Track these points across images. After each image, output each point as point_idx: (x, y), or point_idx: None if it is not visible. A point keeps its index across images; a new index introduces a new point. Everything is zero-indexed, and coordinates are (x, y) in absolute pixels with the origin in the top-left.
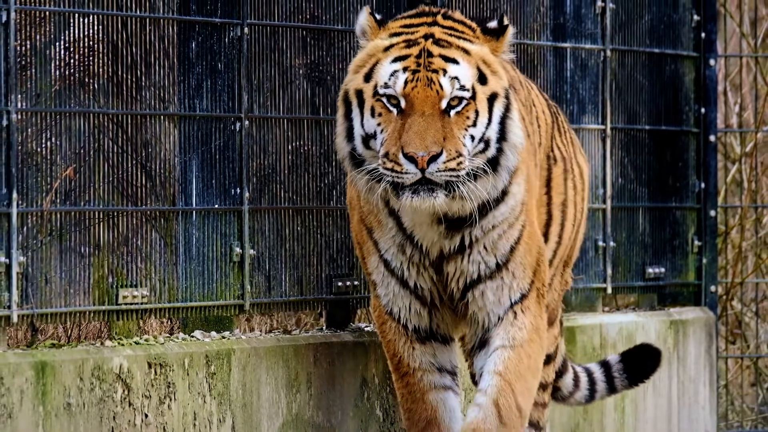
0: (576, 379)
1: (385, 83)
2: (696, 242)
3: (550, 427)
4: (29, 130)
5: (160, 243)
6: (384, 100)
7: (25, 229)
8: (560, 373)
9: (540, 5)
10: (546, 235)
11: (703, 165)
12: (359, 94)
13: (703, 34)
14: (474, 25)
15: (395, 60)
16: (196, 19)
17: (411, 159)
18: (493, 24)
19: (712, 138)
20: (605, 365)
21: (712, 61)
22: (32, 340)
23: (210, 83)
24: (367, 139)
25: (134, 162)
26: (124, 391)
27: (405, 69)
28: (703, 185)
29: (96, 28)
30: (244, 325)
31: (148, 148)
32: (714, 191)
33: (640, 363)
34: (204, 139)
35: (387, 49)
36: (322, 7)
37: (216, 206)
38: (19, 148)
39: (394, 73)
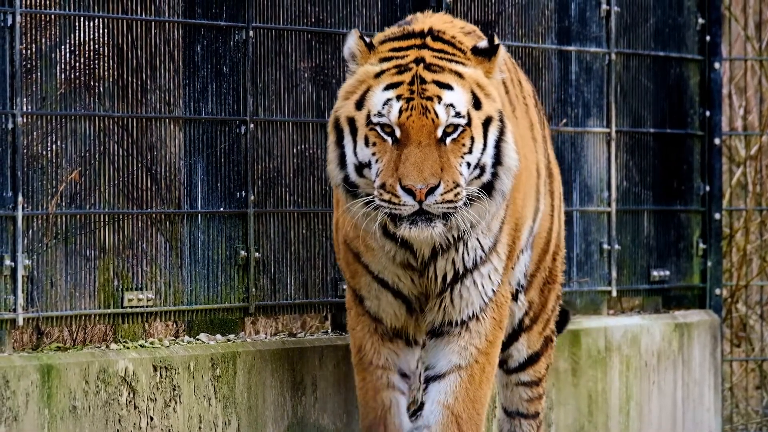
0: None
1: (379, 112)
2: (701, 245)
3: (555, 428)
4: (35, 133)
5: (166, 246)
6: (378, 129)
7: (30, 232)
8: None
9: (545, 8)
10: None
11: (707, 168)
12: (351, 121)
13: (707, 38)
14: (465, 45)
15: (387, 87)
16: (201, 23)
17: (409, 191)
18: (483, 44)
19: (716, 141)
20: None
21: (716, 64)
22: (38, 343)
23: (215, 86)
24: (361, 167)
25: (139, 165)
26: (129, 394)
27: (399, 97)
28: (707, 188)
29: (101, 31)
30: (249, 328)
31: (154, 152)
32: (719, 194)
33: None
34: (209, 143)
35: (378, 75)
36: (327, 11)
37: (221, 209)
38: (25, 151)
39: (387, 102)
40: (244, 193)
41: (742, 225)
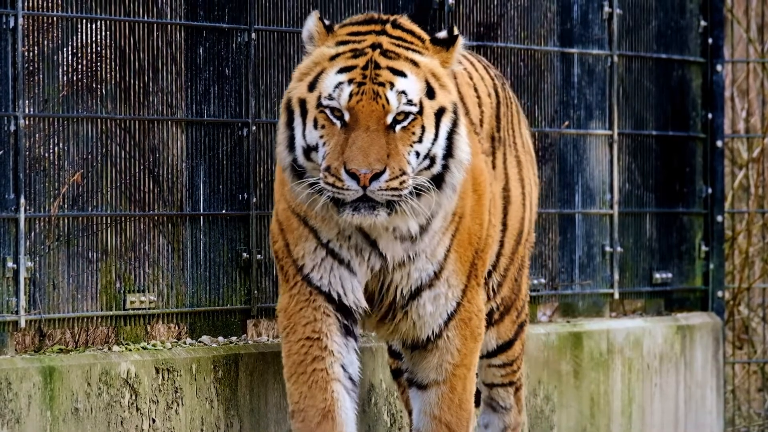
0: None
1: (329, 95)
2: (703, 247)
3: (557, 431)
4: (37, 135)
5: (168, 248)
6: (327, 111)
7: (32, 234)
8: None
9: (547, 11)
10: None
11: (710, 170)
12: (302, 103)
13: (710, 40)
14: (424, 35)
15: (341, 71)
16: (203, 25)
17: (353, 175)
18: (443, 34)
19: (719, 143)
20: None
21: (719, 67)
22: (40, 345)
23: (217, 89)
24: (309, 150)
25: (142, 167)
26: (131, 396)
27: (350, 81)
28: (710, 190)
29: (103, 33)
30: (251, 330)
31: (156, 154)
32: (721, 197)
33: None
34: (211, 145)
35: (333, 58)
36: (329, 13)
37: (223, 211)
38: (27, 153)
39: (338, 85)
40: (246, 195)
41: (744, 227)
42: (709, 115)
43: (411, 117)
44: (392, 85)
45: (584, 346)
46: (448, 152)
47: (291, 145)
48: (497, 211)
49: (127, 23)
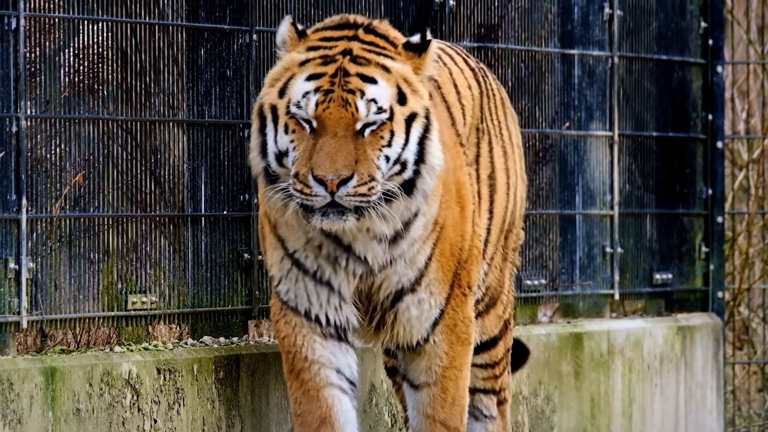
0: None
1: (298, 102)
2: (703, 248)
3: (558, 431)
4: (39, 136)
5: (169, 249)
6: (297, 117)
7: (34, 235)
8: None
9: (548, 12)
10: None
11: (710, 171)
12: (273, 109)
13: (710, 41)
14: (399, 39)
15: (309, 78)
16: (204, 26)
17: (320, 182)
18: (415, 39)
19: (719, 144)
20: None
21: (719, 68)
22: (42, 345)
23: (219, 90)
24: (281, 156)
25: (143, 168)
26: (133, 396)
27: (317, 89)
28: (710, 191)
29: (105, 35)
30: (252, 330)
31: (157, 155)
32: (721, 197)
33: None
34: (212, 146)
35: (302, 63)
36: (330, 14)
37: (224, 212)
38: (29, 154)
39: (306, 94)
40: (247, 196)
41: (744, 228)
42: (710, 116)
43: (380, 122)
44: (362, 93)
45: (585, 347)
46: (420, 157)
47: (264, 151)
48: (482, 220)
49: (128, 24)
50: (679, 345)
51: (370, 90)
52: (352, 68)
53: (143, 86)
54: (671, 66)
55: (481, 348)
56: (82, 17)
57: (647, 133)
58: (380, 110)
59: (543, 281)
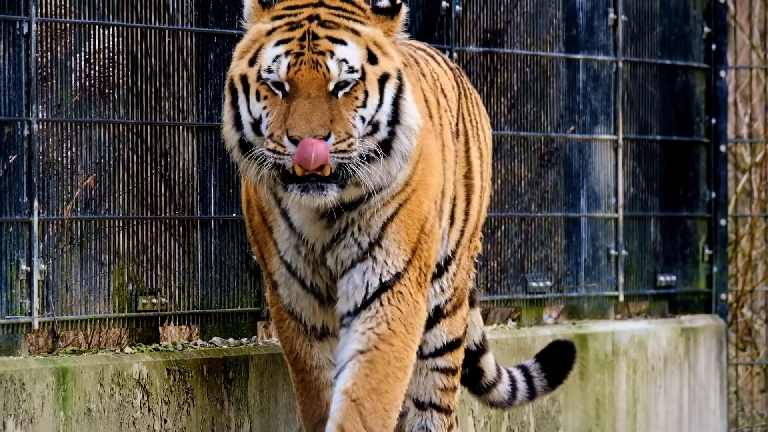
0: (498, 370)
1: (269, 67)
2: (707, 251)
3: (563, 431)
4: (50, 140)
5: (179, 251)
6: (269, 83)
7: (46, 237)
8: (480, 352)
9: (553, 17)
10: (452, 215)
11: (713, 175)
12: (244, 79)
13: (713, 46)
14: (365, 5)
15: (278, 43)
16: (214, 31)
17: (295, 142)
18: (385, 3)
19: (722, 148)
20: (523, 368)
21: (722, 73)
22: (53, 346)
23: None
24: (256, 124)
25: (153, 171)
26: (143, 396)
27: (288, 53)
28: (713, 195)
29: (116, 39)
30: (261, 332)
31: (167, 158)
32: (724, 201)
33: (556, 361)
34: (222, 149)
35: (270, 33)
36: None
37: (233, 215)
38: (41, 157)
39: (276, 58)
40: None
41: (747, 231)
42: (713, 121)
43: (353, 83)
44: (332, 53)
45: (589, 348)
46: (394, 118)
47: (238, 124)
48: (459, 209)
49: (139, 29)
50: (683, 346)
51: (340, 50)
52: (321, 31)
53: (153, 90)
54: (675, 70)
55: (447, 348)
56: (93, 22)
57: (651, 137)
58: (351, 70)
59: (548, 283)
